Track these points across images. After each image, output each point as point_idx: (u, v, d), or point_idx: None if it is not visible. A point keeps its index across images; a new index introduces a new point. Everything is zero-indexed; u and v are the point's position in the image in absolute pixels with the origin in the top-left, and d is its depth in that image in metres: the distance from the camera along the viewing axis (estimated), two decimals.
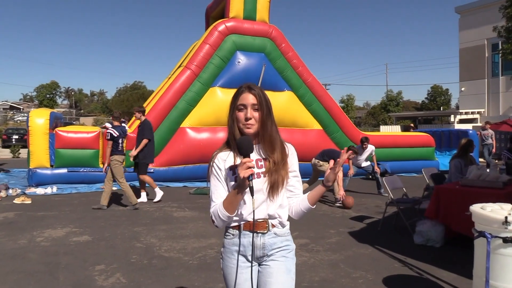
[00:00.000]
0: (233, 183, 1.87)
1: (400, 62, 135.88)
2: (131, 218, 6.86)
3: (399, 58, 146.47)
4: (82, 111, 77.29)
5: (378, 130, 34.23)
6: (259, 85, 11.16)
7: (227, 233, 1.96)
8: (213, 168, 1.93)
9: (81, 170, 10.26)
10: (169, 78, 12.06)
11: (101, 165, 10.53)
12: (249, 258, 1.92)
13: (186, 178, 10.94)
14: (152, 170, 10.62)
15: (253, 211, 1.82)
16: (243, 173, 1.72)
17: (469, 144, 6.36)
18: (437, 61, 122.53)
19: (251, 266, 1.93)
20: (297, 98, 11.82)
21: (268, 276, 1.93)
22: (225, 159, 1.93)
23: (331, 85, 64.21)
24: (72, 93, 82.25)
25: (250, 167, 1.74)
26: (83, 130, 10.66)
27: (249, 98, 1.91)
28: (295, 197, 2.04)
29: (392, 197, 5.91)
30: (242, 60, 11.40)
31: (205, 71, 11.14)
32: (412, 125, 18.59)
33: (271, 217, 1.93)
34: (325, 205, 8.03)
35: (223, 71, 11.31)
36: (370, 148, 9.87)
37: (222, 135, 11.11)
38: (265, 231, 1.92)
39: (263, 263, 1.96)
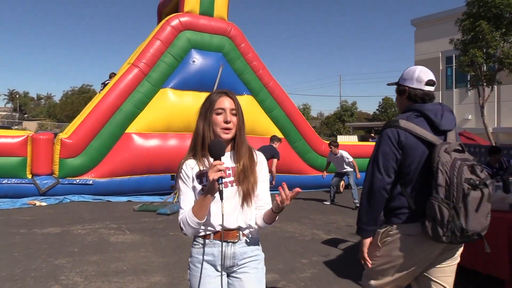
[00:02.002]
0: (200, 190, 1.86)
1: (353, 74, 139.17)
2: (54, 244, 5.51)
3: (352, 69, 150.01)
4: (26, 115, 73.26)
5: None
6: (215, 87, 10.11)
7: (195, 242, 1.93)
8: (181, 175, 1.91)
9: (3, 182, 8.68)
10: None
11: (29, 176, 9.00)
12: (219, 268, 1.90)
13: (131, 191, 9.58)
14: (91, 182, 9.22)
15: (222, 215, 1.80)
16: (213, 175, 1.72)
17: None
18: (389, 74, 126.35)
19: (221, 276, 1.90)
20: (257, 103, 10.81)
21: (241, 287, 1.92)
22: (192, 166, 1.91)
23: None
24: (17, 96, 77.35)
25: (220, 170, 1.73)
26: (7, 135, 9.08)
27: (227, 103, 1.91)
28: (259, 208, 2.00)
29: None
30: (197, 59, 10.25)
31: (155, 70, 9.88)
32: (372, 134, 18.14)
33: (241, 227, 1.92)
34: (291, 225, 7.01)
35: (176, 70, 10.10)
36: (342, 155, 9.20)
37: (173, 142, 9.89)
38: (236, 240, 1.90)
39: (234, 274, 1.93)
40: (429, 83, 2.39)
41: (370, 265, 2.38)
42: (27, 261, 4.75)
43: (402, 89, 2.45)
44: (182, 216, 1.85)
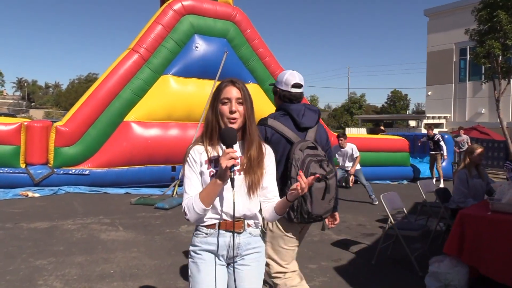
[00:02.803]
0: (208, 178, 1.85)
1: (362, 66, 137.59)
2: (39, 242, 5.05)
3: (361, 61, 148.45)
4: (33, 103, 73.38)
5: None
6: (218, 74, 9.57)
7: (198, 232, 1.91)
8: (188, 160, 1.89)
9: None
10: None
11: (22, 165, 8.56)
12: (221, 257, 1.90)
13: (129, 183, 9.11)
14: (87, 172, 8.77)
15: (233, 202, 1.82)
16: (225, 162, 1.72)
17: (478, 154, 5.01)
18: (399, 66, 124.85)
19: (225, 266, 1.94)
20: (263, 92, 10.26)
21: (240, 281, 1.93)
22: (201, 152, 1.90)
23: None
24: (25, 84, 77.32)
25: (233, 158, 1.74)
26: (0, 122, 8.62)
27: (233, 92, 1.89)
28: (268, 201, 2.01)
29: (392, 221, 4.44)
30: (200, 45, 9.71)
31: (156, 56, 9.36)
32: (382, 127, 17.52)
33: (247, 217, 1.93)
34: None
35: (177, 57, 9.57)
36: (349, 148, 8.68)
37: (174, 132, 9.40)
38: (241, 231, 1.91)
39: (235, 265, 1.93)
40: (295, 85, 2.76)
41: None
42: (5, 261, 4.29)
43: (275, 90, 2.84)
44: (187, 201, 1.83)
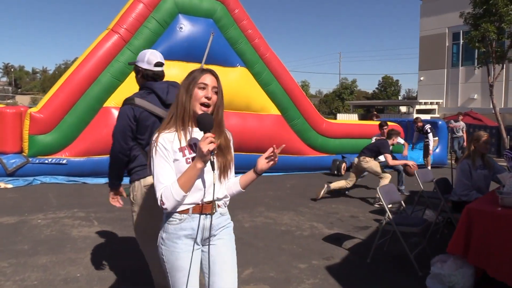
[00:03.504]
0: (184, 165, 1.87)
1: (354, 51, 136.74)
2: (2, 240, 4.59)
3: (353, 47, 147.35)
4: (20, 89, 72.04)
5: (334, 118, 33.03)
6: (205, 57, 9.06)
7: (171, 219, 1.92)
8: (158, 149, 1.87)
9: None
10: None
11: None
12: (198, 240, 1.94)
13: None
14: (65, 161, 8.27)
15: (214, 184, 1.88)
16: (207, 146, 1.77)
17: (484, 141, 4.61)
18: (391, 52, 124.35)
19: (200, 249, 1.99)
20: (252, 76, 9.75)
21: (217, 255, 1.98)
22: (171, 140, 1.89)
23: None
24: (12, 70, 75.68)
25: (212, 142, 1.79)
26: None
27: (211, 79, 1.93)
28: (229, 180, 2.08)
29: (390, 216, 4.04)
30: (185, 26, 9.15)
31: (137, 37, 8.81)
32: (375, 113, 17.13)
33: (218, 199, 1.98)
34: (287, 215, 6.10)
35: (160, 38, 9.02)
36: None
37: None
38: (213, 212, 1.96)
39: (208, 243, 1.99)
40: (158, 64, 2.96)
41: (118, 206, 3.04)
42: None
43: (137, 69, 2.98)
44: (164, 190, 1.83)
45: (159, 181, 1.85)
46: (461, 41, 24.37)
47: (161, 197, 1.83)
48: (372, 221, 5.85)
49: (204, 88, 1.90)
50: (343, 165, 10.41)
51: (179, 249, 1.89)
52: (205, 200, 1.92)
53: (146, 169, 2.65)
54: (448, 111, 24.51)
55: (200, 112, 1.89)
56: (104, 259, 4.07)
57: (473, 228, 3.38)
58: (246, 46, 9.69)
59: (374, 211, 6.46)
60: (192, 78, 1.93)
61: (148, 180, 2.71)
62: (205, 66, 9.63)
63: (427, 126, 10.63)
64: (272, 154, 1.98)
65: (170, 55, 9.04)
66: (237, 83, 9.43)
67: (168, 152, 1.87)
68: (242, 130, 8.89)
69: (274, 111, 10.04)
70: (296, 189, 8.25)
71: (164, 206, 1.83)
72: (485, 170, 4.62)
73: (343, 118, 32.17)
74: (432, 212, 5.65)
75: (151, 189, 2.52)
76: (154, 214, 2.60)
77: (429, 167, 10.45)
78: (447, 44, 25.26)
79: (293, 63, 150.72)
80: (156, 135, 1.89)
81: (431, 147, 10.73)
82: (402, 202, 4.46)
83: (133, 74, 8.89)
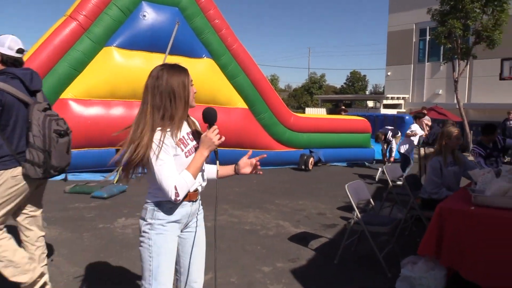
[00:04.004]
0: (184, 158, 1.97)
1: (323, 46, 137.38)
2: None
3: (322, 42, 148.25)
4: None
5: (303, 113, 33.07)
6: (169, 47, 8.66)
7: (162, 206, 1.99)
8: (163, 145, 1.90)
9: None
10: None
11: None
12: (182, 226, 2.07)
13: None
14: None
15: (217, 171, 2.12)
16: (216, 137, 1.97)
17: (455, 137, 4.50)
18: (360, 47, 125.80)
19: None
20: (219, 68, 9.44)
21: (196, 240, 2.14)
22: (169, 136, 1.94)
23: None
24: None
25: (218, 134, 1.98)
26: None
27: (190, 75, 2.04)
28: None
29: (358, 215, 3.85)
30: (148, 14, 8.72)
31: (97, 25, 8.31)
32: (343, 107, 17.08)
33: (200, 185, 2.10)
34: (252, 213, 5.86)
35: (122, 26, 8.56)
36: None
37: (119, 111, 8.46)
38: (197, 199, 2.11)
39: (187, 229, 2.12)
40: (19, 51, 2.89)
41: None
42: None
43: None
44: (178, 182, 1.90)
45: (168, 176, 1.89)
46: (428, 37, 24.75)
47: (176, 188, 1.89)
48: (340, 218, 5.69)
49: (192, 85, 2.03)
50: (311, 159, 10.28)
51: (168, 233, 1.99)
52: (192, 188, 2.02)
53: (12, 159, 2.71)
54: (414, 106, 24.88)
55: (194, 104, 2.05)
56: (48, 265, 3.71)
57: (445, 228, 3.23)
58: (213, 37, 9.36)
59: (341, 208, 6.31)
60: (181, 76, 1.98)
61: (16, 171, 2.72)
62: (170, 57, 9.26)
63: (389, 135, 10.57)
64: (255, 164, 2.23)
65: (133, 45, 8.65)
66: (203, 75, 9.08)
67: (169, 148, 1.92)
68: (199, 125, 8.57)
69: (241, 104, 9.77)
70: (263, 185, 8.02)
71: (178, 198, 1.90)
72: (456, 167, 4.51)
73: (311, 112, 32.26)
74: (401, 209, 5.55)
75: (17, 180, 2.71)
76: (10, 203, 2.73)
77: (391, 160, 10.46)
78: (414, 40, 25.59)
79: (262, 57, 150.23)
80: (153, 134, 1.90)
81: (393, 154, 10.76)
82: (371, 199, 4.29)
83: (92, 64, 8.39)
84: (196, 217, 2.15)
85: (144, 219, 2.02)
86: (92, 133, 8.14)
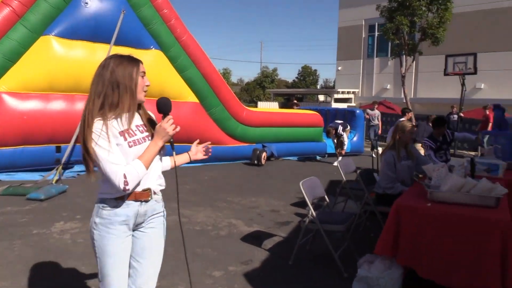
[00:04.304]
0: (128, 149, 1.88)
1: (275, 41, 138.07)
2: None
3: (274, 36, 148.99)
4: None
5: (255, 106, 32.97)
6: (114, 37, 8.16)
7: (106, 204, 1.92)
8: (102, 133, 1.83)
9: None
10: None
11: None
12: (130, 227, 1.97)
13: (1, 167, 7.49)
14: None
15: (175, 161, 2.16)
16: (171, 127, 1.94)
17: (409, 131, 4.47)
18: (311, 42, 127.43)
19: (131, 235, 2.01)
20: (168, 60, 9.03)
21: (148, 242, 2.03)
22: (110, 125, 1.87)
23: None
24: None
25: (174, 123, 1.96)
26: None
27: (143, 67, 2.00)
28: None
29: (313, 213, 3.69)
30: (91, 1, 8.15)
31: (34, 12, 7.65)
32: (296, 101, 17.10)
33: (153, 185, 2.01)
34: (203, 212, 5.60)
35: (62, 14, 7.93)
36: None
37: (59, 105, 7.87)
38: (149, 199, 1.98)
39: (141, 229, 2.03)
40: None
41: None
42: None
43: None
44: (128, 170, 1.82)
45: (114, 163, 1.80)
46: (376, 33, 25.35)
47: (125, 176, 1.80)
48: (294, 215, 5.55)
49: (143, 77, 1.97)
50: (264, 154, 10.12)
51: (111, 235, 1.90)
52: (141, 188, 1.94)
53: None
54: (363, 100, 25.49)
55: (144, 98, 1.99)
56: None
57: (402, 225, 3.13)
58: (161, 27, 8.92)
59: (295, 204, 6.18)
60: (130, 66, 1.93)
61: None
62: (115, 48, 8.75)
63: (340, 129, 10.61)
64: (206, 149, 2.30)
65: (74, 34, 8.08)
66: (151, 67, 8.62)
67: (110, 137, 1.84)
68: (156, 118, 8.17)
69: (192, 98, 9.42)
70: (214, 182, 7.77)
71: (127, 187, 1.82)
72: (409, 161, 4.49)
73: (264, 106, 32.24)
74: (354, 203, 5.50)
75: None
76: None
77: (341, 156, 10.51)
78: (363, 36, 26.14)
79: (214, 51, 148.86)
80: (92, 123, 1.83)
81: (345, 148, 10.82)
82: (326, 196, 4.15)
83: (28, 55, 7.77)
84: (154, 218, 2.05)
85: (92, 216, 1.97)
86: (29, 129, 7.52)
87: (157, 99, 2.08)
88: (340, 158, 10.31)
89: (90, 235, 1.97)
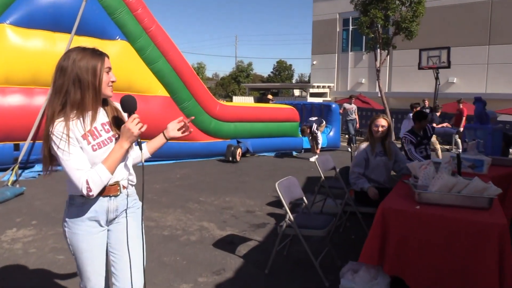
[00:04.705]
0: (91, 152, 1.78)
1: (250, 35, 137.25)
2: None
3: (249, 30, 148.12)
4: None
5: (230, 101, 32.52)
6: (75, 27, 7.59)
7: (74, 201, 1.86)
8: (63, 137, 1.73)
9: None
10: None
11: None
12: (102, 222, 1.91)
13: None
14: None
15: (142, 163, 1.95)
16: (136, 127, 1.79)
17: (374, 123, 4.24)
18: (286, 36, 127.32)
19: (106, 230, 1.95)
20: (135, 52, 8.53)
21: (121, 232, 1.96)
22: (72, 128, 1.77)
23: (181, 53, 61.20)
24: None
25: (140, 122, 1.82)
26: None
27: (109, 62, 1.89)
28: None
29: (291, 218, 3.36)
30: None
31: None
32: (270, 96, 16.77)
33: (122, 178, 1.93)
34: (173, 215, 5.20)
35: (18, 1, 7.36)
36: None
37: (15, 99, 7.29)
38: (118, 194, 1.91)
39: (114, 222, 1.97)
40: None
41: None
42: None
43: None
44: (90, 176, 1.73)
45: (77, 168, 1.73)
46: (351, 27, 25.25)
47: (88, 183, 1.72)
48: (270, 216, 5.22)
49: (108, 72, 1.86)
50: (238, 150, 9.76)
51: (82, 231, 1.86)
52: (111, 181, 1.85)
53: None
54: (339, 95, 25.40)
55: (111, 93, 1.89)
56: None
57: (389, 231, 2.83)
58: (127, 17, 8.40)
59: (271, 203, 5.85)
60: (94, 62, 1.80)
61: None
62: (77, 38, 8.18)
63: (314, 127, 10.38)
64: (184, 125, 2.07)
65: (31, 23, 7.50)
66: (117, 59, 8.11)
67: (74, 140, 1.75)
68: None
69: (162, 92, 8.95)
70: (187, 180, 7.36)
71: (91, 193, 1.74)
72: (385, 157, 4.24)
73: (239, 101, 31.82)
74: (333, 202, 5.21)
75: None
76: None
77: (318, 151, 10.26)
78: (338, 30, 26.00)
79: (189, 45, 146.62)
80: (53, 124, 1.74)
81: (319, 146, 10.55)
82: (304, 198, 3.82)
83: None
84: (126, 211, 1.96)
85: (64, 214, 1.91)
86: None
87: (122, 95, 1.92)
88: (316, 156, 10.06)
89: (62, 232, 1.92)
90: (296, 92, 36.13)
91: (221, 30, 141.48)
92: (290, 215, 3.35)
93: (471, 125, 5.95)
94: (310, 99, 24.42)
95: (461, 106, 12.94)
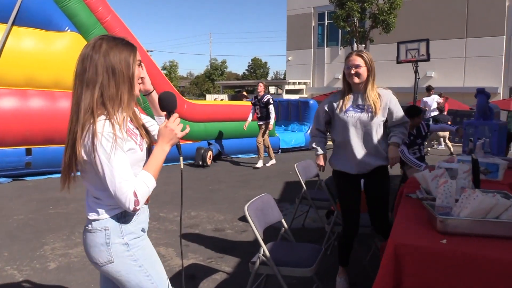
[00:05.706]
0: (140, 152, 1.59)
1: (224, 33, 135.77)
2: None
3: (223, 28, 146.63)
4: None
5: (204, 100, 31.52)
6: (13, 16, 6.44)
7: (128, 217, 1.59)
8: (117, 139, 1.46)
9: None
10: None
11: None
12: (145, 230, 1.74)
13: None
14: None
15: (181, 170, 1.77)
16: (179, 128, 1.61)
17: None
18: (260, 34, 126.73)
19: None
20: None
21: (151, 246, 1.76)
22: (117, 128, 1.51)
23: (154, 51, 60.30)
24: None
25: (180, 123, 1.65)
26: None
27: (139, 55, 1.66)
28: None
29: (267, 254, 2.50)
30: None
31: None
32: (245, 93, 15.93)
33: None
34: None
35: None
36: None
37: None
38: (149, 201, 1.71)
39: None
40: None
41: None
42: None
43: None
44: (138, 187, 1.48)
45: (125, 179, 1.45)
46: (326, 22, 24.61)
47: (136, 195, 1.46)
48: (242, 235, 4.35)
49: (139, 65, 1.63)
50: (209, 153, 8.85)
51: (146, 243, 1.67)
52: None
53: None
54: (315, 91, 24.75)
55: (138, 93, 1.64)
56: None
57: (404, 269, 2.01)
58: (79, 5, 7.38)
59: (243, 218, 4.98)
60: (129, 53, 1.55)
61: None
62: (16, 29, 7.11)
63: (268, 97, 9.08)
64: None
65: None
66: (67, 53, 7.13)
67: (122, 141, 1.49)
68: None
69: None
70: None
71: (138, 207, 1.48)
72: (365, 113, 3.35)
73: (212, 99, 30.86)
74: (317, 215, 4.43)
75: None
76: None
77: (271, 158, 9.27)
78: (313, 24, 25.33)
79: (161, 44, 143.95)
80: (95, 124, 1.44)
81: (271, 122, 9.18)
82: (283, 221, 2.97)
83: None
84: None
85: (106, 244, 1.53)
86: None
87: (159, 93, 1.69)
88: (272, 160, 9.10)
89: (122, 263, 1.55)
90: (272, 90, 35.42)
91: (196, 28, 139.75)
92: (265, 249, 2.49)
93: (473, 121, 5.22)
94: (286, 96, 23.67)
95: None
